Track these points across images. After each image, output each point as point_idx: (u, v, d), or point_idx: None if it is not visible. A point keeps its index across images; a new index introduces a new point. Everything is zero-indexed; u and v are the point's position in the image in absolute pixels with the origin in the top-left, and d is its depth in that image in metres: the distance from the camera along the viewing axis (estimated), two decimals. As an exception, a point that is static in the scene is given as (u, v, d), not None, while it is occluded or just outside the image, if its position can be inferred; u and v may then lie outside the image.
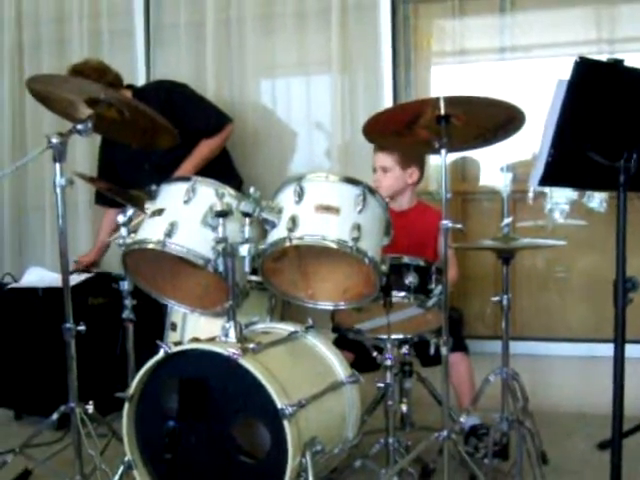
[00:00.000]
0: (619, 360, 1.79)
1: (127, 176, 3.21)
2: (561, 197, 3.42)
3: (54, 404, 2.31)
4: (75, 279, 2.95)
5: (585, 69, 1.73)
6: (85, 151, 3.70)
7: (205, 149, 3.13)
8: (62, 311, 2.21)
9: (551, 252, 3.43)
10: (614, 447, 1.80)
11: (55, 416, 2.30)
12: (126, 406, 2.03)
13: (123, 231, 2.23)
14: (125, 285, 2.39)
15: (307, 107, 3.59)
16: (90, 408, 2.22)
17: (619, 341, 1.79)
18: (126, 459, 2.05)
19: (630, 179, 1.77)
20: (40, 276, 3.16)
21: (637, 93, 1.82)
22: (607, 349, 1.92)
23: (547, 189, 3.40)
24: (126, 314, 2.42)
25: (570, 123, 1.76)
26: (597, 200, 3.36)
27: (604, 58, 1.81)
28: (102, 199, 3.37)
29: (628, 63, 1.79)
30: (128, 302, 2.42)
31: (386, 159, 2.69)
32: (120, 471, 2.07)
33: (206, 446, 1.97)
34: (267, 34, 3.60)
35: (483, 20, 3.52)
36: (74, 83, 2.44)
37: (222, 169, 3.20)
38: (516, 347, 2.49)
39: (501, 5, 3.45)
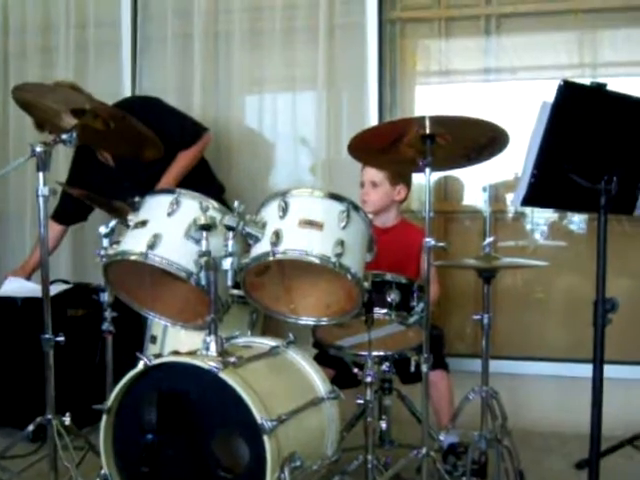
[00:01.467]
0: (597, 380, 1.81)
1: (107, 195, 3.17)
2: (541, 218, 3.46)
3: (29, 415, 2.28)
4: (54, 290, 2.92)
5: (569, 92, 1.76)
6: (67, 160, 3.67)
7: (184, 160, 3.11)
8: (41, 322, 2.19)
9: (532, 272, 3.46)
10: (591, 467, 1.81)
11: (31, 427, 2.27)
12: (104, 418, 2.00)
13: (105, 242, 2.21)
14: (105, 297, 2.38)
15: (292, 123, 3.60)
16: (67, 420, 2.20)
17: (598, 361, 1.81)
18: (102, 472, 2.01)
19: (610, 201, 1.81)
20: (19, 286, 3.13)
21: (619, 117, 1.86)
22: (586, 369, 1.94)
23: (528, 210, 3.44)
24: (106, 326, 2.41)
25: (553, 145, 1.79)
26: (577, 222, 3.41)
27: (587, 82, 1.84)
28: (59, 216, 3.32)
29: (609, 87, 1.83)
30: (108, 314, 2.40)
31: (377, 174, 2.71)
32: (96, 484, 2.05)
33: (185, 460, 1.95)
34: (254, 49, 3.61)
35: (468, 41, 3.56)
36: (60, 93, 2.43)
37: (202, 178, 3.18)
38: (496, 366, 2.50)
39: (486, 27, 3.50)
